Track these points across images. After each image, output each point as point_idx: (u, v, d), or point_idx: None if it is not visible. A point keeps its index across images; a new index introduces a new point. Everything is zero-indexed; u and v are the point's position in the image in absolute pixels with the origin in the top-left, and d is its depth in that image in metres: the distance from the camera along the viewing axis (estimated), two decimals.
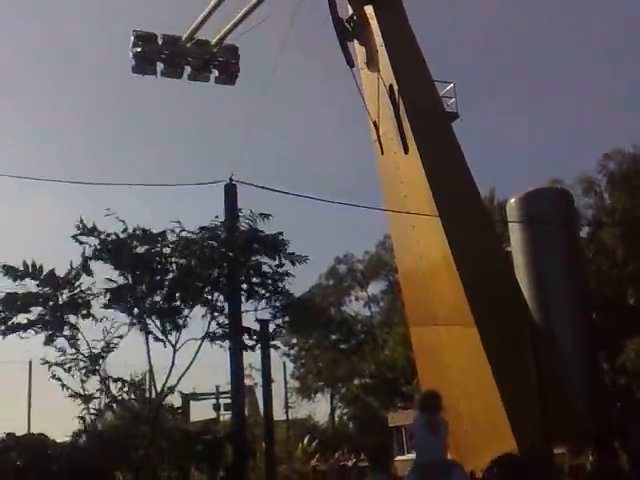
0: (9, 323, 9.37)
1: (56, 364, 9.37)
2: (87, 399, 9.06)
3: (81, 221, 9.69)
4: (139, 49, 22.59)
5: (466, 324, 17.64)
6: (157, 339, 9.65)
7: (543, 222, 20.52)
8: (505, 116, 61.76)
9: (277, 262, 10.48)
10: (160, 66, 23.21)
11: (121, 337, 9.58)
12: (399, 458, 20.69)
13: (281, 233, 10.54)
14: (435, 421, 6.98)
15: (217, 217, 10.43)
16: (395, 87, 19.87)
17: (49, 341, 9.37)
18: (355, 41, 21.16)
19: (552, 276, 21.40)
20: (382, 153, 20.61)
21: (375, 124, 20.60)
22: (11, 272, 9.40)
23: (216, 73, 23.90)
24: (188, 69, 23.61)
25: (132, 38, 22.84)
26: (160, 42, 23.03)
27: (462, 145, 19.88)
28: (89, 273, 9.69)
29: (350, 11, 21.07)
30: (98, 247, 9.76)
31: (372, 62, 20.76)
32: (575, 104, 63.28)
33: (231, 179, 10.79)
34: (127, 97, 70.60)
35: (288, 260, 10.50)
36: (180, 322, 9.86)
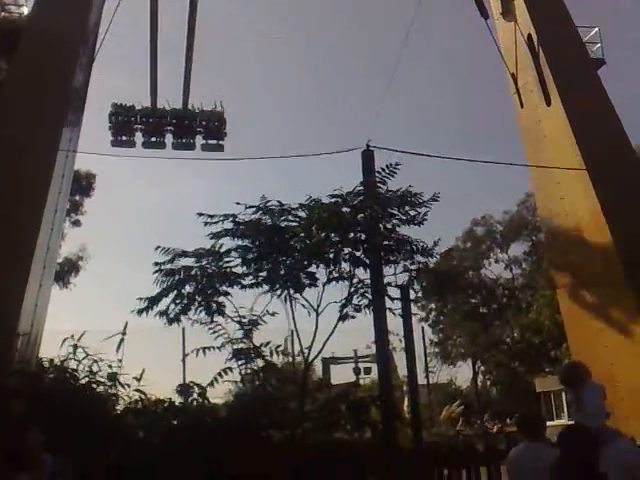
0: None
1: (213, 332, 9.86)
2: (248, 359, 9.50)
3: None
4: None
5: (618, 284, 16.58)
6: (303, 306, 9.93)
7: None
8: None
9: (412, 214, 10.36)
10: None
11: (268, 312, 9.92)
12: (548, 424, 20.06)
13: (410, 186, 10.47)
14: (579, 396, 6.80)
15: (342, 187, 10.49)
16: (534, 36, 18.84)
17: (207, 311, 9.90)
18: None
19: None
20: (522, 106, 19.74)
21: (513, 76, 19.72)
22: (169, 252, 10.13)
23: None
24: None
25: None
26: None
27: (610, 93, 18.48)
28: (239, 252, 10.14)
29: None
30: (233, 228, 10.20)
31: (508, 12, 19.98)
32: None
33: (368, 145, 10.83)
34: None
35: (420, 208, 10.39)
36: (318, 289, 10.08)
